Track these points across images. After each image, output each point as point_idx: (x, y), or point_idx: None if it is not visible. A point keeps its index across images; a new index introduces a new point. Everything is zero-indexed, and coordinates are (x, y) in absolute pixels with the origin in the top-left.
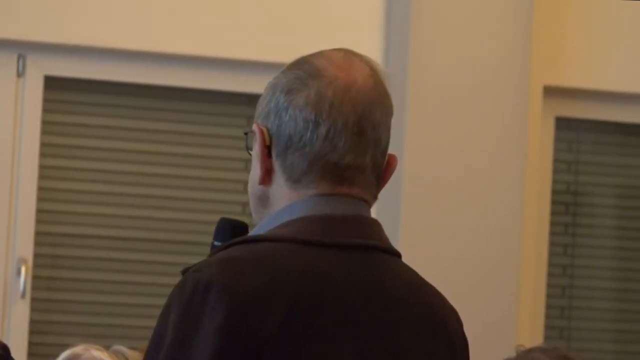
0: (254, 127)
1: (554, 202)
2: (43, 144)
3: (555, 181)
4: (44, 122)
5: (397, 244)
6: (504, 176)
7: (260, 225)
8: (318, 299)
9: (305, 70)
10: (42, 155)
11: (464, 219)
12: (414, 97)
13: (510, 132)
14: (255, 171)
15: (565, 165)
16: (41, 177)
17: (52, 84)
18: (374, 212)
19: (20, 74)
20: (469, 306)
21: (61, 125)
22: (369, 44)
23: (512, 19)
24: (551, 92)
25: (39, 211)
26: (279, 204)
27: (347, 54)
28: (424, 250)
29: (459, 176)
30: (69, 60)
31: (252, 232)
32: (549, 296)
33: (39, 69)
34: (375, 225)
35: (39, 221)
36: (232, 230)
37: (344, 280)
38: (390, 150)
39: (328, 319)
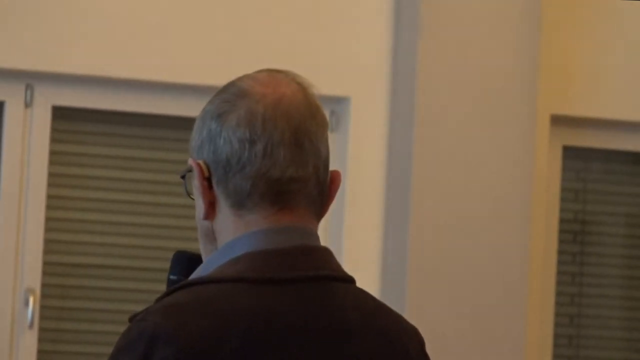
0: (190, 162)
1: (561, 231)
2: (51, 174)
3: (563, 210)
4: (52, 152)
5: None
6: (511, 205)
7: (205, 262)
8: (269, 339)
9: (231, 92)
10: (50, 185)
11: (471, 247)
12: (420, 126)
13: (518, 160)
14: (199, 208)
15: (573, 194)
16: (49, 207)
17: (60, 114)
18: (379, 238)
19: (28, 104)
20: (478, 334)
21: (69, 155)
22: (374, 73)
23: (519, 48)
24: (558, 121)
25: (47, 241)
26: (225, 236)
27: (272, 72)
28: (430, 283)
29: (466, 204)
30: (76, 90)
31: (197, 271)
32: (557, 325)
33: (46, 99)
34: (323, 253)
35: (46, 251)
36: (187, 262)
37: (295, 317)
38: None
39: (281, 358)
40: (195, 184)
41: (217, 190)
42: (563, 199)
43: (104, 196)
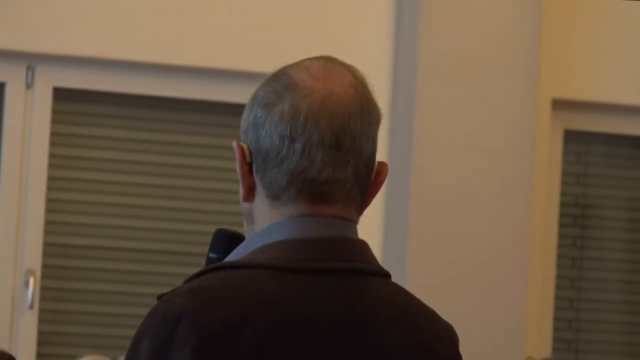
0: (234, 144)
1: (562, 215)
2: (52, 155)
3: (563, 194)
4: (53, 134)
5: (406, 256)
6: (512, 189)
7: (242, 245)
8: (293, 328)
9: (281, 83)
10: (51, 166)
11: (471, 231)
12: (422, 110)
13: (519, 144)
14: (241, 189)
15: (574, 177)
16: (50, 188)
17: (61, 95)
18: (379, 224)
19: (29, 85)
20: (478, 319)
21: (70, 136)
22: (376, 57)
23: (520, 33)
24: (560, 105)
25: (48, 222)
26: (261, 221)
27: (328, 62)
28: (431, 263)
29: (467, 188)
30: (78, 71)
31: (234, 252)
32: (557, 309)
33: (48, 81)
34: (359, 246)
35: (47, 232)
36: (227, 241)
37: (321, 308)
38: (399, 163)
39: (304, 349)
40: (237, 166)
41: (256, 177)
42: (564, 183)
43: (104, 178)
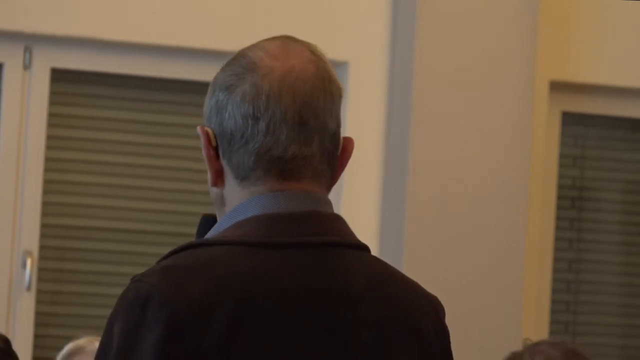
0: (198, 129)
1: (559, 197)
2: (49, 137)
3: (561, 176)
4: (50, 115)
5: (402, 240)
6: (509, 171)
7: (216, 225)
8: (265, 303)
9: (241, 65)
10: (48, 147)
11: (468, 213)
12: (419, 91)
13: (516, 127)
14: (209, 174)
15: (571, 160)
16: (47, 169)
17: (58, 76)
18: (377, 212)
19: (26, 66)
20: (474, 301)
21: (67, 117)
22: (373, 37)
23: (517, 14)
24: (557, 87)
25: (45, 204)
26: (232, 203)
27: (286, 41)
28: (428, 246)
29: (464, 171)
30: (75, 52)
31: (208, 234)
32: (554, 291)
33: (45, 61)
34: (333, 220)
35: (44, 214)
36: (213, 225)
37: (294, 282)
38: (395, 146)
39: (277, 324)
40: (203, 152)
41: (223, 161)
42: (561, 165)
43: (102, 159)
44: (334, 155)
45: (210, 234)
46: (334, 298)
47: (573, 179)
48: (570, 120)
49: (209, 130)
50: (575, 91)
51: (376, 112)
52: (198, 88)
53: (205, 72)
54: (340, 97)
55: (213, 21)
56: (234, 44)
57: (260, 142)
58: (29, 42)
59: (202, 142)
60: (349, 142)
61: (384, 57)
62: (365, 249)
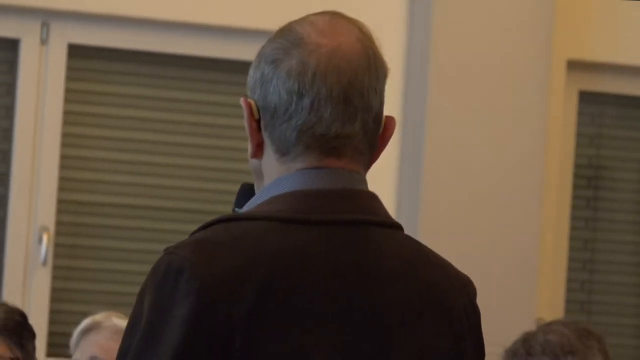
0: (241, 101)
1: (576, 176)
2: (66, 112)
3: (577, 155)
4: (67, 90)
5: (418, 214)
6: (526, 149)
7: (252, 199)
8: (295, 279)
9: (288, 39)
10: (65, 123)
11: (485, 191)
12: (436, 70)
13: (533, 105)
14: (249, 145)
15: (588, 139)
16: (64, 145)
17: (75, 52)
18: (393, 186)
19: (43, 41)
20: (490, 280)
21: (84, 93)
22: (389, 20)
23: None
24: (575, 66)
25: (62, 179)
26: (270, 176)
27: (334, 17)
28: (444, 223)
29: (481, 150)
30: (92, 28)
31: (245, 207)
32: (569, 270)
33: (62, 37)
34: (368, 198)
35: (61, 189)
36: (252, 194)
37: (324, 258)
38: (413, 127)
39: (305, 300)
40: (245, 123)
41: (264, 134)
42: (578, 144)
43: (119, 135)
44: (376, 134)
45: (246, 207)
46: (364, 276)
47: (589, 158)
48: (587, 99)
49: (252, 102)
50: (593, 70)
51: (393, 91)
52: (214, 65)
53: (222, 49)
54: (385, 76)
55: None
56: (252, 21)
57: (303, 118)
58: (46, 17)
59: (244, 113)
60: (390, 121)
61: (401, 38)
62: (398, 227)
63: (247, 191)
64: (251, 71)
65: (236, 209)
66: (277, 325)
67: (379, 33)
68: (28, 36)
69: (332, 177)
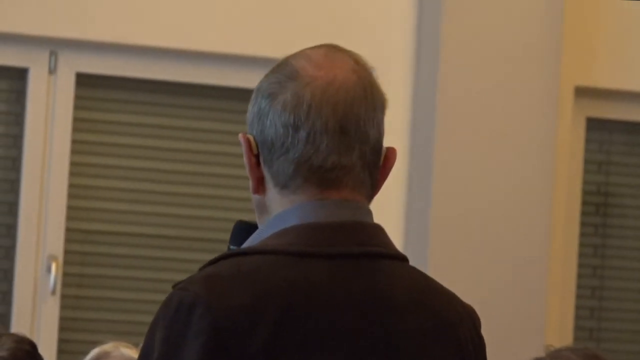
0: (240, 136)
1: (584, 203)
2: (74, 141)
3: (585, 182)
4: (75, 119)
5: (427, 245)
6: (533, 176)
7: (256, 233)
8: (308, 312)
9: (283, 73)
10: (73, 152)
11: (494, 219)
12: (444, 96)
13: (541, 132)
14: (250, 181)
15: (596, 166)
16: (72, 174)
17: (83, 81)
18: (401, 216)
19: (52, 70)
20: (499, 307)
21: (92, 122)
22: (398, 45)
23: (543, 20)
24: (582, 93)
25: (70, 208)
26: (274, 211)
27: (330, 50)
28: (452, 251)
29: (488, 177)
30: (100, 57)
31: (247, 242)
32: (578, 297)
33: (70, 66)
34: (373, 229)
35: (69, 218)
36: (247, 233)
37: (336, 291)
38: (421, 152)
39: (320, 332)
40: (245, 159)
41: (264, 169)
42: (586, 171)
43: (127, 163)
44: (376, 165)
45: (250, 242)
46: (376, 308)
47: (598, 185)
48: (594, 125)
49: (251, 138)
50: (600, 97)
51: (401, 119)
52: (222, 93)
53: (230, 78)
54: (383, 107)
55: (236, 26)
56: (257, 49)
57: (300, 151)
58: (54, 46)
59: (243, 149)
60: (391, 152)
61: (409, 64)
62: (404, 259)
63: (242, 229)
64: (249, 106)
65: (231, 247)
66: (293, 357)
67: (386, 63)
68: (36, 65)
69: (337, 208)
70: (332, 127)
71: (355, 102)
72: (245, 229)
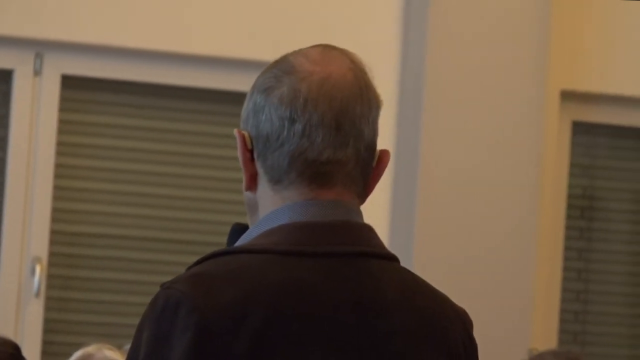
0: (235, 132)
1: (569, 206)
2: (59, 143)
3: (571, 185)
4: (61, 121)
5: (412, 246)
6: (519, 180)
7: (246, 233)
8: (294, 311)
9: (280, 68)
10: (58, 154)
11: (479, 222)
12: (430, 100)
13: (527, 136)
14: (244, 177)
15: (582, 169)
16: (57, 176)
17: (69, 82)
18: (387, 216)
19: (37, 72)
20: (484, 310)
21: (77, 124)
22: (383, 51)
23: (529, 25)
24: (568, 97)
25: (55, 210)
26: (265, 208)
27: (326, 48)
28: (438, 254)
29: (474, 179)
30: (86, 59)
31: (238, 241)
32: (563, 300)
33: (56, 68)
34: (363, 229)
35: (54, 220)
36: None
37: (324, 291)
38: (407, 153)
39: (306, 333)
40: (239, 155)
41: (257, 164)
42: (571, 175)
43: (112, 166)
44: (369, 164)
45: (241, 241)
46: (363, 308)
47: (583, 189)
48: (580, 129)
49: (245, 134)
50: (586, 101)
51: (387, 120)
52: (207, 95)
53: (215, 80)
54: (377, 107)
55: (223, 29)
56: (245, 51)
57: (295, 144)
58: (40, 48)
59: (238, 145)
60: (385, 154)
61: (395, 65)
62: (394, 259)
63: (238, 231)
64: (245, 103)
65: None
66: (279, 356)
67: (373, 63)
68: (21, 67)
69: (326, 208)
70: (328, 122)
71: (351, 100)
72: (241, 230)
